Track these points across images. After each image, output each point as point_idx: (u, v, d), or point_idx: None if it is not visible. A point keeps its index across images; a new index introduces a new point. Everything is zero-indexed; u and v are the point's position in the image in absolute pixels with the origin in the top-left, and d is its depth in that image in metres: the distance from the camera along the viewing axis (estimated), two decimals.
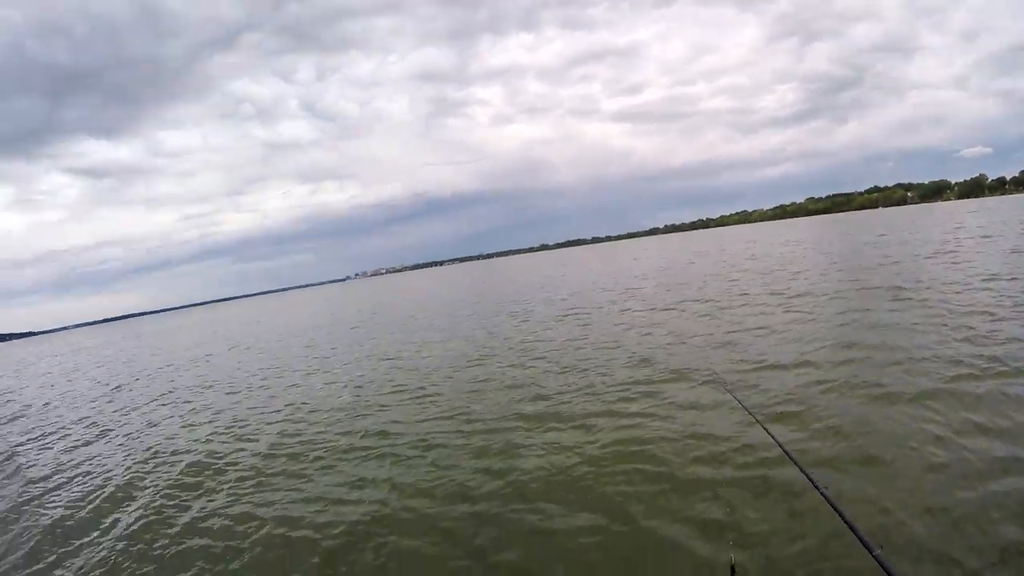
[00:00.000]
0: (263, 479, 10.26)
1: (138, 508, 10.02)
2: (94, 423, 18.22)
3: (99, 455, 13.99)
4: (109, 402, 22.34)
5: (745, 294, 21.56)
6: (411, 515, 7.78)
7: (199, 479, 10.92)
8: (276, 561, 7.27)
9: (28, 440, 17.44)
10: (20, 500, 11.57)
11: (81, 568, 8.09)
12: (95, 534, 9.21)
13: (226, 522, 8.68)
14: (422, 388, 14.77)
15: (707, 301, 21.27)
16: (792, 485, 6.51)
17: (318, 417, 13.77)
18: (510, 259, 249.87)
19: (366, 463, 10.14)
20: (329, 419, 13.40)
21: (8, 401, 28.98)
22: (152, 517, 9.43)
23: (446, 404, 12.87)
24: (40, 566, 8.40)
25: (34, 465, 14.28)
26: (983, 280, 17.77)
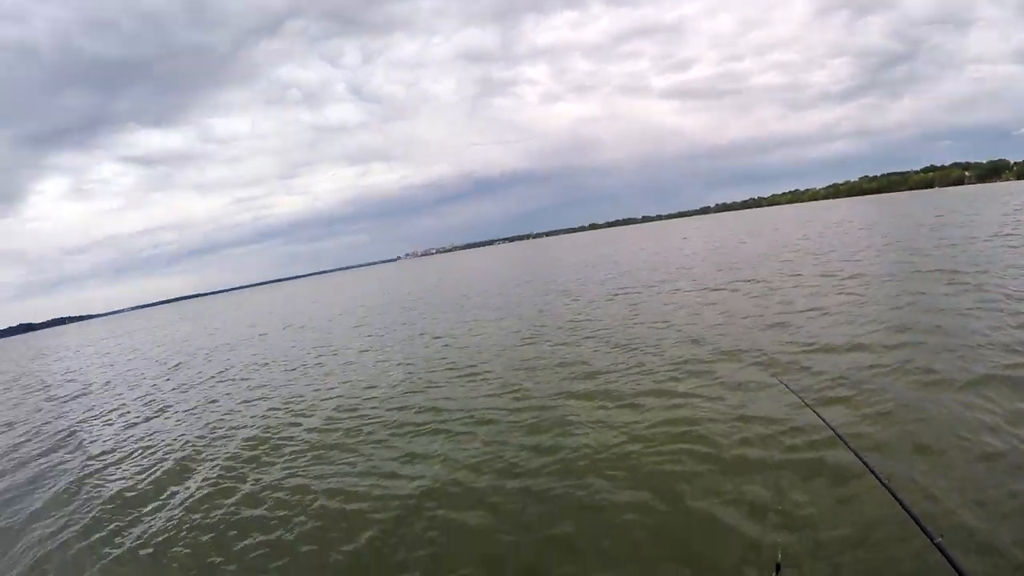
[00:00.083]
0: (318, 453, 10.58)
1: (197, 480, 10.41)
2: (153, 400, 18.82)
3: (159, 431, 14.47)
4: (167, 380, 22.99)
5: (797, 275, 21.29)
6: (461, 490, 7.98)
7: (256, 453, 11.30)
8: (329, 533, 7.51)
9: (90, 417, 18.07)
10: (82, 474, 12.02)
11: (140, 537, 8.49)
12: (154, 505, 9.64)
13: (281, 494, 8.98)
14: (473, 366, 14.99)
15: (758, 282, 21.03)
16: (841, 469, 6.48)
17: (372, 393, 14.07)
18: (559, 238, 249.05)
19: (418, 438, 10.38)
20: (382, 395, 13.69)
21: (70, 380, 29.94)
22: (210, 489, 9.82)
23: (497, 382, 13.05)
24: (101, 534, 8.83)
25: (95, 440, 14.82)
26: None
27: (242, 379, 19.68)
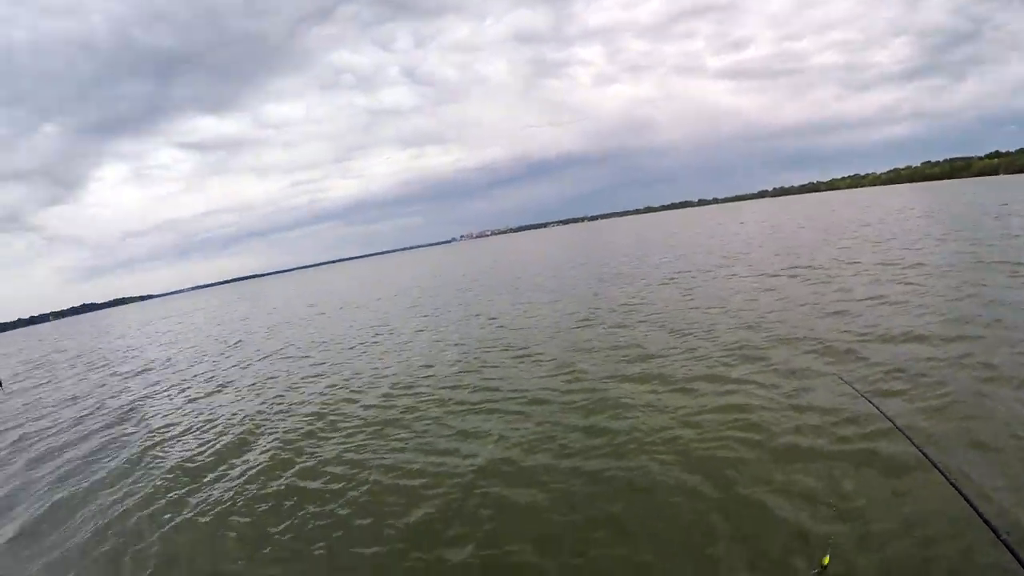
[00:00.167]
0: (374, 429, 10.90)
1: (255, 453, 10.83)
2: (214, 376, 19.46)
3: (219, 406, 14.97)
4: (227, 357, 23.64)
5: (856, 262, 20.93)
6: (514, 469, 8.17)
7: (313, 428, 11.69)
8: (384, 507, 7.76)
9: (152, 392, 18.75)
10: (144, 446, 12.53)
11: (199, 506, 8.91)
12: (213, 476, 10.09)
13: (338, 469, 9.30)
14: (527, 347, 15.18)
15: (816, 268, 20.77)
16: (894, 461, 6.47)
17: (427, 372, 14.39)
18: (614, 221, 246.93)
19: (472, 417, 10.62)
20: (438, 374, 14.00)
21: (132, 357, 30.93)
22: (268, 462, 10.22)
23: (551, 363, 13.20)
24: (161, 503, 9.27)
25: (157, 414, 15.40)
26: None
27: (301, 357, 20.23)
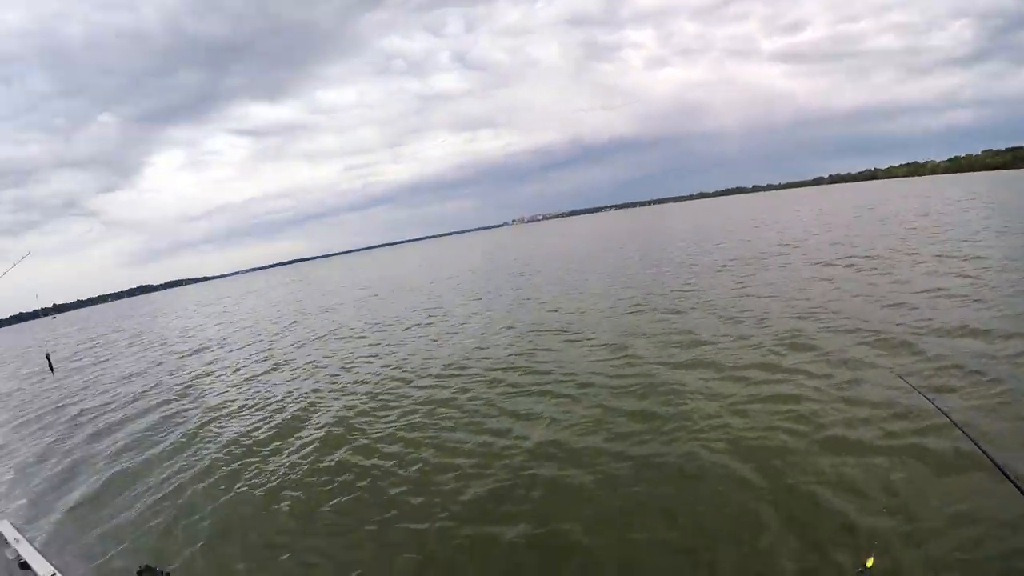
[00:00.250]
0: (428, 409, 11.13)
1: (309, 431, 11.15)
2: (269, 356, 19.95)
3: (274, 384, 15.34)
4: (283, 337, 24.15)
5: (914, 253, 20.48)
6: (565, 451, 8.29)
7: (368, 407, 11.97)
8: (432, 485, 7.95)
9: (208, 371, 19.30)
10: (201, 422, 12.93)
11: (252, 480, 9.23)
12: (267, 452, 10.42)
13: (389, 448, 9.55)
14: (579, 332, 15.33)
15: (873, 258, 20.39)
16: (945, 458, 6.39)
17: (481, 354, 14.64)
18: (667, 207, 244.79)
19: (524, 399, 10.78)
20: (491, 356, 14.27)
21: (189, 337, 31.72)
22: (321, 440, 10.50)
23: (603, 348, 13.30)
24: (215, 478, 9.62)
25: (212, 392, 15.82)
26: None
27: (356, 337, 20.68)
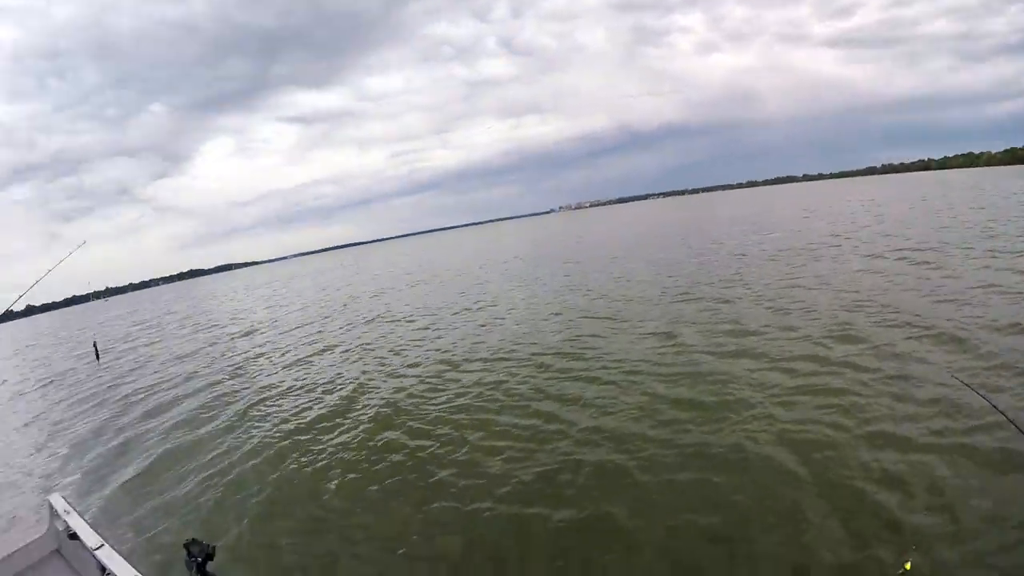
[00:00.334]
0: (475, 393, 11.30)
1: (357, 413, 11.40)
2: (319, 339, 20.38)
3: (324, 367, 15.66)
4: (332, 321, 24.61)
5: (968, 247, 19.92)
6: (609, 436, 8.38)
7: (415, 390, 12.17)
8: (478, 468, 8.09)
9: (259, 353, 19.78)
10: (251, 402, 13.22)
11: (300, 459, 9.46)
12: (314, 432, 10.65)
13: (436, 430, 9.73)
14: (628, 319, 15.40)
15: (925, 251, 19.93)
16: (994, 457, 6.29)
17: (527, 340, 14.84)
18: (716, 195, 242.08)
19: (571, 385, 10.88)
20: (538, 342, 14.44)
21: (239, 320, 32.31)
22: (369, 422, 10.73)
23: (651, 336, 13.37)
24: (264, 456, 9.85)
25: (262, 373, 16.17)
26: None
27: (405, 321, 21.07)
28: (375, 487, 8.03)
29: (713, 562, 5.46)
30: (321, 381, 14.09)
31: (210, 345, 24.22)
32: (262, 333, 25.03)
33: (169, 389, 16.33)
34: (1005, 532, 5.20)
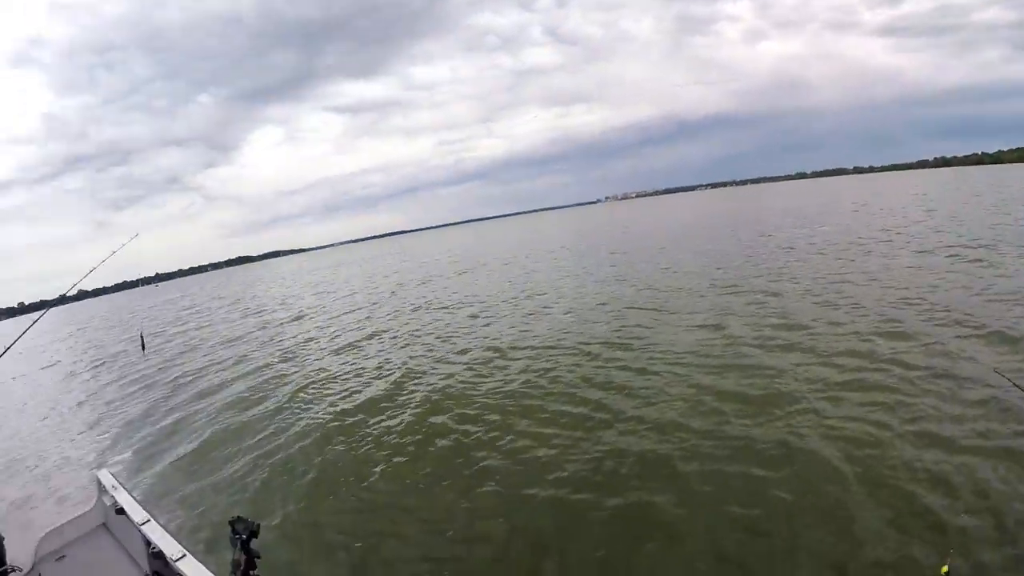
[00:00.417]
0: (522, 380, 11.42)
1: (403, 398, 11.59)
2: (366, 325, 20.74)
3: (371, 353, 15.98)
4: (379, 307, 25.02)
5: (1022, 246, 19.64)
6: (654, 426, 8.43)
7: (462, 377, 12.27)
8: (525, 456, 8.15)
9: (307, 338, 20.16)
10: (299, 386, 13.48)
11: (346, 442, 9.70)
12: (361, 416, 10.85)
13: (485, 416, 9.82)
14: (676, 310, 15.41)
15: (978, 248, 19.47)
16: None
17: (574, 329, 14.92)
18: (765, 187, 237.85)
19: (619, 375, 10.91)
20: (585, 332, 14.49)
21: (288, 305, 32.71)
22: (415, 407, 10.88)
23: (697, 328, 13.37)
24: (311, 439, 10.05)
25: (310, 358, 16.50)
26: None
27: (454, 308, 21.32)
28: (421, 471, 8.18)
29: (754, 554, 5.49)
30: (369, 366, 14.32)
31: (259, 329, 24.68)
32: (310, 319, 25.43)
33: (218, 372, 16.71)
34: None
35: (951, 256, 18.49)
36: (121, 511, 4.86)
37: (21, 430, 14.44)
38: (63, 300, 8.40)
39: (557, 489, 7.08)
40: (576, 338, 13.86)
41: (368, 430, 9.99)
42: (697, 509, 6.24)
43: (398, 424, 10.06)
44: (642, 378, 10.46)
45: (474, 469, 7.97)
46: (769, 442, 7.41)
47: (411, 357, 14.56)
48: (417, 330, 18.17)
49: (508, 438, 8.72)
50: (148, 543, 4.38)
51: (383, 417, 10.53)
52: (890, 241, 23.69)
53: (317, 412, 11.41)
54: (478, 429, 9.23)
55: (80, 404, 16.23)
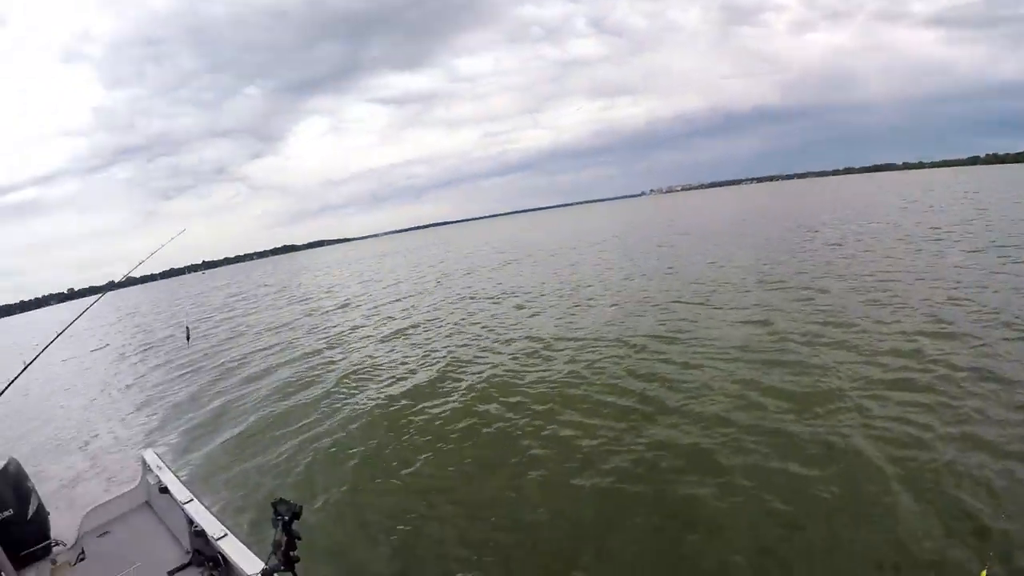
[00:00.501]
0: (568, 370, 11.47)
1: (448, 387, 11.67)
2: (412, 314, 21.04)
3: (417, 342, 16.28)
4: (424, 296, 25.41)
5: None
6: (698, 421, 8.41)
7: (508, 367, 12.34)
8: (569, 447, 8.17)
9: (352, 326, 20.58)
10: (344, 373, 13.77)
11: (391, 430, 9.79)
12: (404, 404, 11.01)
13: (531, 407, 9.84)
14: (722, 305, 15.33)
15: None
16: None
17: (622, 322, 14.90)
18: (812, 181, 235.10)
19: (664, 368, 10.90)
20: (631, 325, 14.46)
21: (333, 294, 33.15)
22: (461, 397, 10.93)
23: (744, 322, 13.30)
24: (356, 426, 10.22)
25: (355, 346, 16.83)
26: None
27: (499, 299, 21.44)
28: (464, 458, 8.30)
29: (794, 551, 5.51)
30: (415, 355, 14.55)
31: (305, 316, 25.10)
32: (356, 307, 25.74)
33: (265, 357, 17.02)
34: None
35: (1002, 257, 18.03)
36: (165, 490, 5.01)
37: (72, 410, 14.79)
38: (115, 286, 8.55)
39: (600, 479, 7.14)
40: (621, 330, 13.86)
41: (413, 417, 10.15)
42: (739, 504, 6.26)
43: (443, 411, 10.19)
44: (687, 372, 10.45)
45: (517, 457, 8.08)
46: (811, 439, 7.40)
47: (457, 346, 14.72)
48: (462, 320, 18.34)
49: (552, 428, 8.81)
50: (190, 521, 4.49)
51: (428, 404, 10.67)
52: (940, 240, 23.17)
53: (362, 398, 11.62)
54: (522, 418, 9.34)
55: (128, 386, 16.64)
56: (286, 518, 3.46)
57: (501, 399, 10.31)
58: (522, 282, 25.31)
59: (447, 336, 16.14)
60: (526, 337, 14.47)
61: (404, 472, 8.05)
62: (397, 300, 25.84)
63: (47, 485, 9.00)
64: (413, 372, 12.88)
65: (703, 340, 12.15)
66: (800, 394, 8.76)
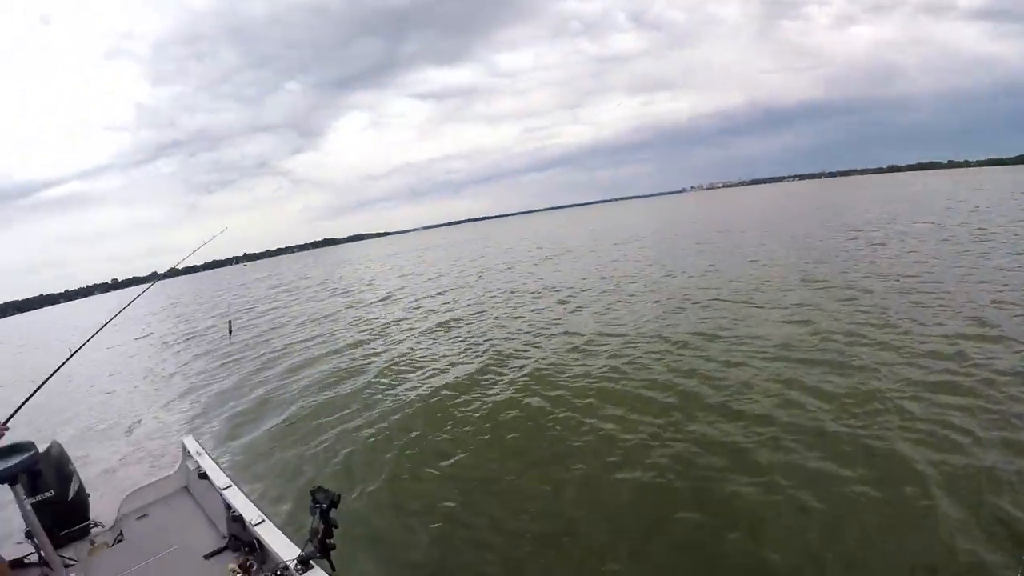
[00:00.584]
0: (611, 366, 11.42)
1: (491, 381, 11.70)
2: (453, 308, 21.12)
3: (457, 336, 16.33)
4: (466, 291, 25.61)
5: None
6: (739, 420, 8.37)
7: (551, 362, 12.33)
8: (607, 443, 8.19)
9: (394, 319, 20.78)
10: (385, 365, 13.95)
11: (432, 423, 9.82)
12: (445, 396, 11.12)
13: (573, 401, 9.86)
14: (764, 303, 15.19)
15: None
16: None
17: (663, 319, 14.83)
18: (855, 179, 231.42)
19: (704, 365, 10.85)
20: (672, 321, 14.46)
21: (374, 287, 33.47)
22: (502, 391, 10.95)
23: (786, 322, 13.14)
24: (400, 416, 10.30)
25: (396, 339, 17.05)
26: None
27: (539, 294, 21.49)
28: (503, 450, 8.39)
29: (831, 551, 5.49)
30: (456, 348, 14.69)
31: (346, 309, 25.41)
32: (397, 300, 25.95)
33: (307, 348, 17.25)
34: None
35: None
36: (204, 475, 5.10)
37: (116, 396, 15.05)
38: (159, 277, 8.68)
39: (639, 474, 7.18)
40: (662, 327, 13.85)
41: (453, 409, 10.27)
42: (778, 503, 6.27)
43: (483, 404, 10.30)
44: (727, 370, 10.43)
45: (557, 451, 8.15)
46: (851, 440, 7.37)
47: (498, 340, 14.83)
48: (504, 314, 18.47)
49: (592, 422, 8.85)
50: (228, 507, 4.54)
51: (469, 397, 10.78)
52: (986, 241, 22.65)
53: (403, 390, 11.76)
54: (563, 412, 9.39)
55: (172, 374, 16.96)
56: (324, 506, 3.53)
57: (542, 393, 10.37)
58: (563, 277, 25.32)
59: (488, 330, 16.25)
60: (567, 332, 14.50)
61: (443, 463, 8.14)
62: (439, 293, 26.03)
63: (90, 468, 9.26)
64: (454, 365, 13.00)
65: (744, 338, 12.11)
66: (841, 394, 8.71)
